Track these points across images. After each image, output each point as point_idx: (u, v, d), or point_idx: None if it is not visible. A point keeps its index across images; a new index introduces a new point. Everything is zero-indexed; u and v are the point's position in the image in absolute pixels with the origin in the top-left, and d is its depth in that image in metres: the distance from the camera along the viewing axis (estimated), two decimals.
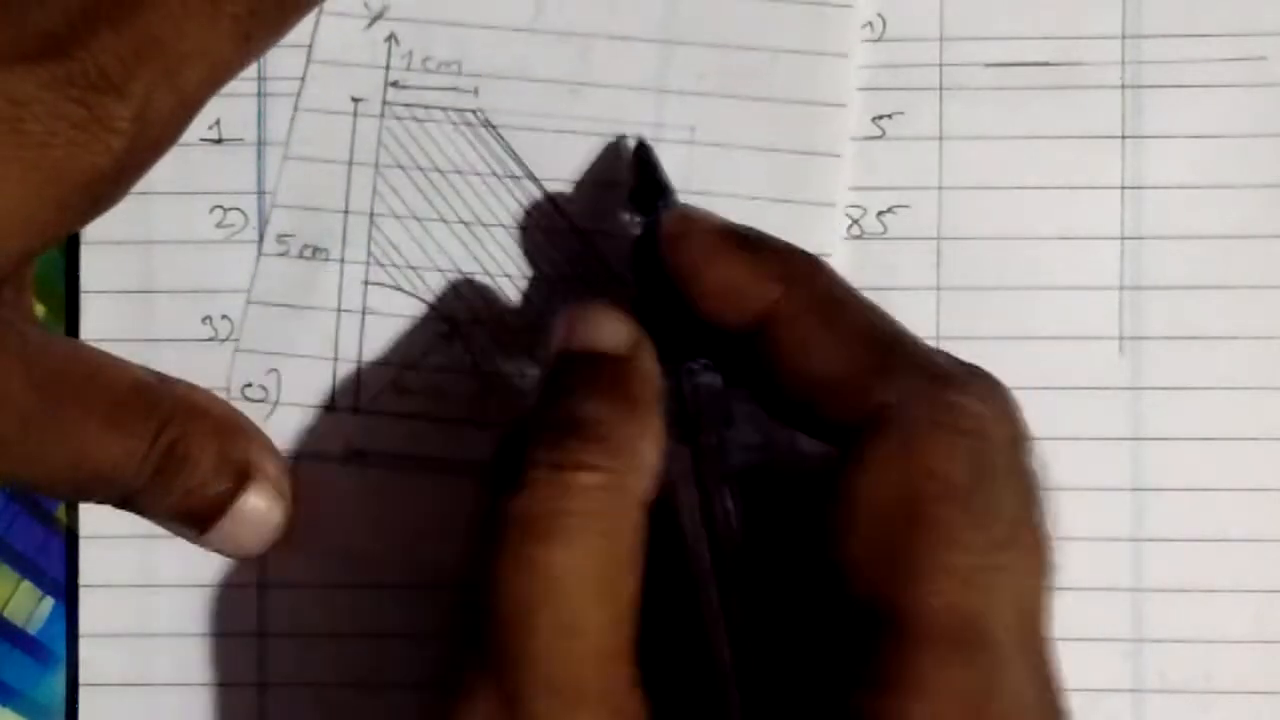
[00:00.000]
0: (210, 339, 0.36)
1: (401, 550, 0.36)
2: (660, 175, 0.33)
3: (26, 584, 0.36)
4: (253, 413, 0.35)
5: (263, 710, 0.36)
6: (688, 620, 0.29)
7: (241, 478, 0.33)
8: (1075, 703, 0.29)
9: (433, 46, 0.36)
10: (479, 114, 0.36)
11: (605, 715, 0.27)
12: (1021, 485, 0.29)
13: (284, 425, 0.36)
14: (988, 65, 0.36)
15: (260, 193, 0.36)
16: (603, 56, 0.36)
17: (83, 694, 0.36)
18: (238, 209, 0.36)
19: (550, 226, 0.36)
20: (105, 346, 0.33)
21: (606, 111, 0.36)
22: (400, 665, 0.36)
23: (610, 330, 0.30)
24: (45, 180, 0.29)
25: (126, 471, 0.32)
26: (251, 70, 0.35)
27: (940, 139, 0.36)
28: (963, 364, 0.30)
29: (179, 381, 0.34)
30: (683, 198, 0.34)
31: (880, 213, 0.36)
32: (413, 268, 0.36)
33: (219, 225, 0.36)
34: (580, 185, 0.36)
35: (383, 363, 0.36)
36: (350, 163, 0.36)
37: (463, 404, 0.36)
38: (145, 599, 0.36)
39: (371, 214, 0.36)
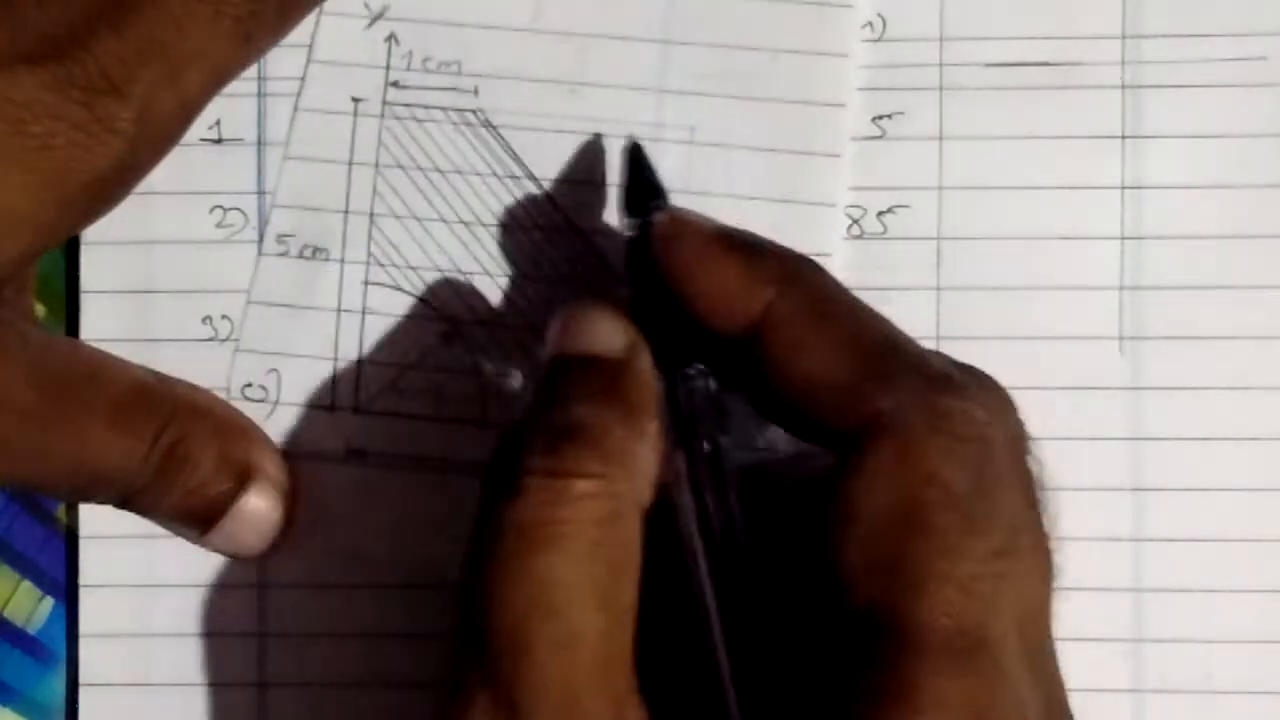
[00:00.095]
0: (210, 339, 0.36)
1: (401, 550, 0.36)
2: (652, 176, 0.33)
3: (26, 584, 0.36)
4: (253, 413, 0.35)
5: (263, 710, 0.36)
6: (686, 627, 0.29)
7: (242, 478, 0.33)
8: (1075, 703, 0.28)
9: (433, 46, 0.36)
10: (479, 114, 0.36)
11: None
12: (1022, 489, 0.28)
13: (284, 425, 0.36)
14: (988, 65, 0.36)
15: (260, 193, 0.36)
16: (602, 56, 0.36)
17: (83, 694, 0.36)
18: (238, 209, 0.36)
19: (550, 226, 0.36)
20: (105, 346, 0.33)
21: (606, 111, 0.36)
22: (400, 665, 0.36)
23: (606, 333, 0.30)
24: (46, 181, 0.29)
25: (127, 472, 0.32)
26: (251, 70, 0.35)
27: (940, 139, 0.36)
28: (960, 366, 0.29)
29: (179, 382, 0.34)
30: (683, 198, 0.34)
31: (880, 213, 0.36)
32: (413, 268, 0.36)
33: (219, 225, 0.36)
34: (579, 185, 0.36)
35: (383, 363, 0.36)
36: (350, 163, 0.36)
37: (463, 404, 0.36)
38: (145, 599, 0.36)
39: (371, 214, 0.36)
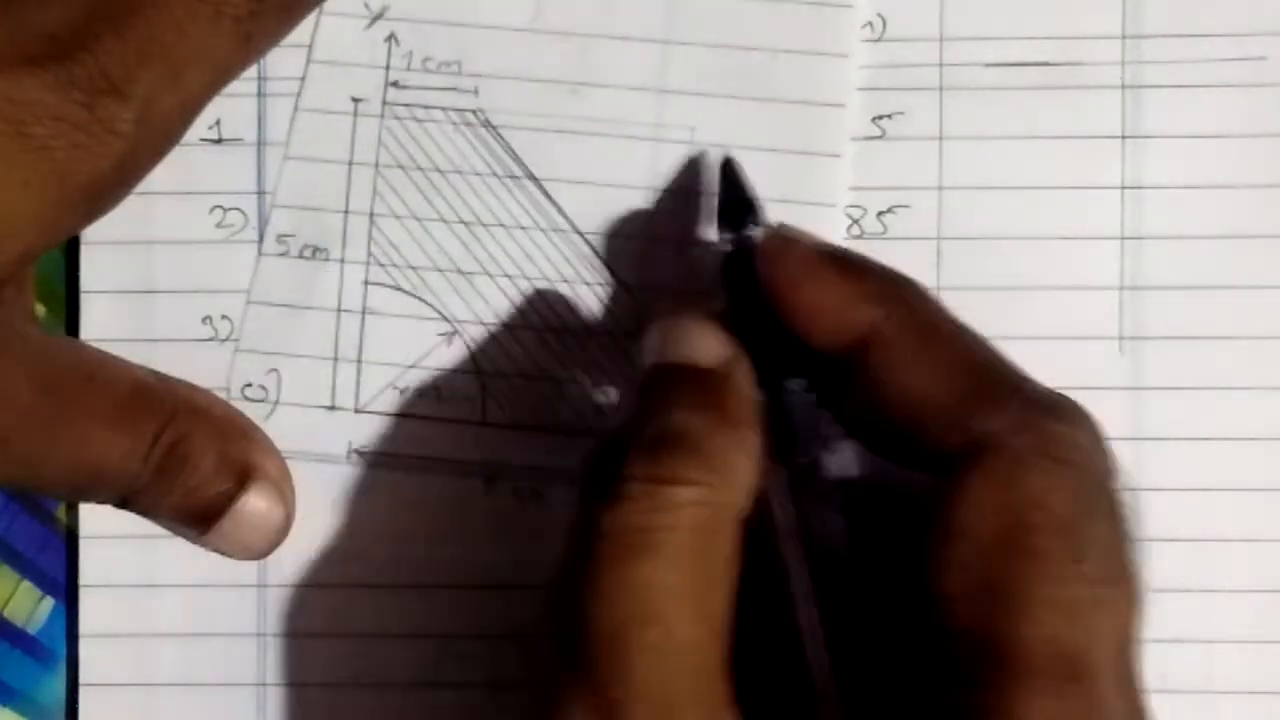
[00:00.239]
0: (210, 339, 0.36)
1: (401, 550, 0.36)
2: (748, 190, 0.33)
3: (26, 584, 0.36)
4: (253, 413, 0.35)
5: (263, 710, 0.36)
6: (781, 639, 0.29)
7: (242, 478, 0.33)
8: None
9: (433, 46, 0.36)
10: (479, 114, 0.36)
11: None
12: (1118, 518, 0.28)
13: (284, 425, 0.36)
14: (988, 65, 0.36)
15: (260, 193, 0.36)
16: (603, 56, 0.36)
17: (83, 694, 0.36)
18: (238, 209, 0.36)
19: (550, 226, 0.36)
20: (105, 346, 0.33)
21: (606, 111, 0.36)
22: (400, 665, 0.36)
23: (707, 344, 0.30)
24: (47, 182, 0.29)
25: (127, 472, 0.32)
26: (251, 70, 0.35)
27: (940, 139, 0.36)
28: (1055, 393, 0.29)
29: (180, 382, 0.34)
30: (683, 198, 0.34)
31: (880, 213, 0.36)
32: (413, 268, 0.36)
33: (219, 225, 0.36)
34: (583, 185, 0.36)
35: (383, 363, 0.36)
36: (350, 163, 0.36)
37: (463, 404, 0.36)
38: (145, 599, 0.36)
39: (371, 214, 0.36)
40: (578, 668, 0.27)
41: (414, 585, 0.36)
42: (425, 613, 0.36)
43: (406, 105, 0.36)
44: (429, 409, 0.36)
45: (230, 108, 0.36)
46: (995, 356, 0.30)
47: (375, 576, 0.36)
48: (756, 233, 0.32)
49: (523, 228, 0.36)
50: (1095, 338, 0.36)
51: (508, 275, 0.36)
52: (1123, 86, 0.36)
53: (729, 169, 0.33)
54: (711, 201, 0.34)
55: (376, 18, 0.36)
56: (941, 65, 0.36)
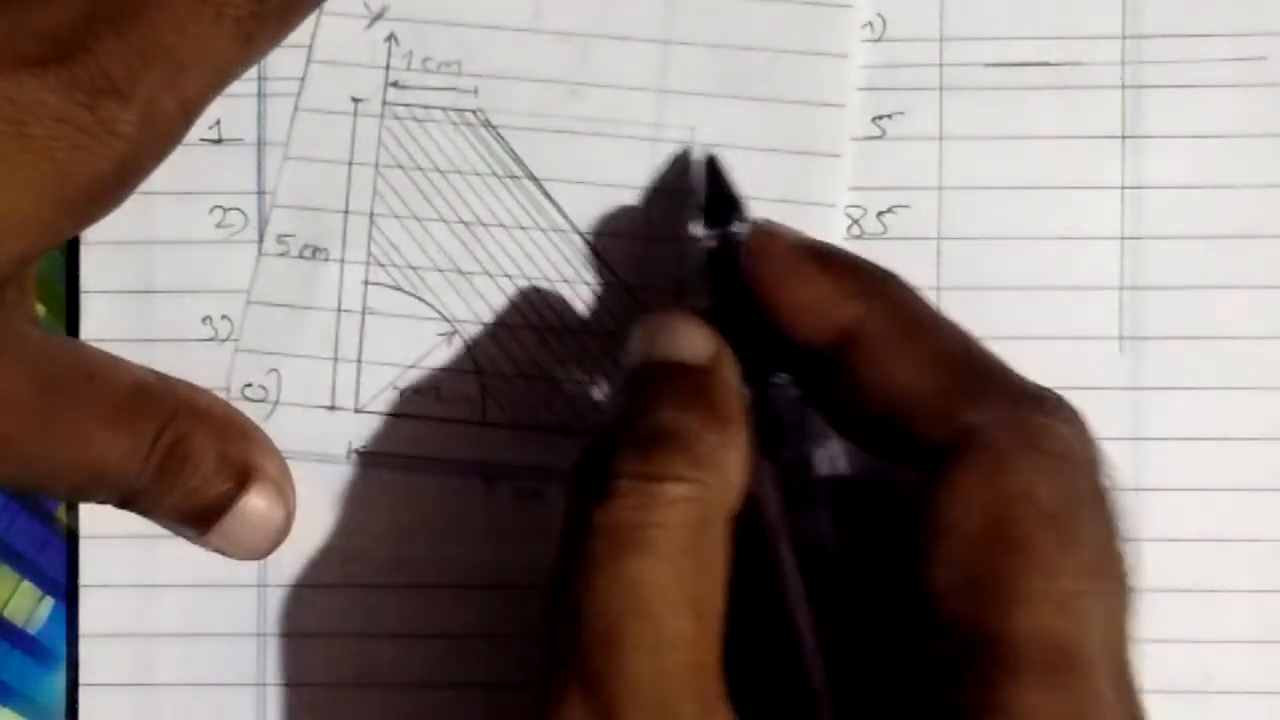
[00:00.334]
0: (210, 339, 0.36)
1: (401, 550, 0.36)
2: (732, 187, 0.33)
3: (26, 584, 0.36)
4: (253, 413, 0.35)
5: (263, 710, 0.36)
6: (773, 635, 0.29)
7: (242, 478, 0.33)
8: None
9: (433, 46, 0.36)
10: (479, 114, 0.36)
11: None
12: (1105, 509, 0.28)
13: (284, 425, 0.36)
14: (988, 65, 0.36)
15: (260, 193, 0.36)
16: (603, 56, 0.36)
17: (83, 694, 0.36)
18: (238, 209, 0.36)
19: (550, 226, 0.36)
20: (105, 346, 0.33)
21: (606, 111, 0.36)
22: (400, 665, 0.36)
23: (692, 341, 0.30)
24: (48, 183, 0.29)
25: (127, 472, 0.32)
26: (251, 70, 0.35)
27: (940, 139, 0.36)
28: (1040, 386, 0.29)
29: (180, 382, 0.34)
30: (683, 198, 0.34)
31: (880, 213, 0.36)
32: (413, 268, 0.36)
33: (219, 225, 0.36)
34: (583, 185, 0.36)
35: (383, 363, 0.36)
36: (350, 163, 0.36)
37: (462, 404, 0.36)
38: (145, 599, 0.36)
39: (371, 214, 0.36)
40: (572, 664, 0.27)
41: (414, 585, 0.36)
42: (425, 613, 0.36)
43: (406, 105, 0.36)
44: (429, 409, 0.36)
45: (230, 108, 0.35)
46: (979, 350, 0.30)
47: (375, 576, 0.36)
48: (741, 229, 0.32)
49: (522, 228, 0.36)
50: (1095, 338, 0.36)
51: (507, 275, 0.36)
52: (1123, 86, 0.36)
53: (714, 166, 0.33)
54: (698, 199, 0.34)
55: (376, 18, 0.36)
56: (941, 65, 0.36)
